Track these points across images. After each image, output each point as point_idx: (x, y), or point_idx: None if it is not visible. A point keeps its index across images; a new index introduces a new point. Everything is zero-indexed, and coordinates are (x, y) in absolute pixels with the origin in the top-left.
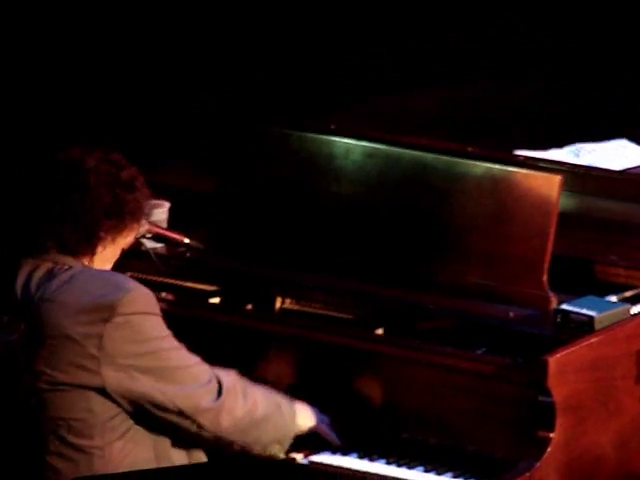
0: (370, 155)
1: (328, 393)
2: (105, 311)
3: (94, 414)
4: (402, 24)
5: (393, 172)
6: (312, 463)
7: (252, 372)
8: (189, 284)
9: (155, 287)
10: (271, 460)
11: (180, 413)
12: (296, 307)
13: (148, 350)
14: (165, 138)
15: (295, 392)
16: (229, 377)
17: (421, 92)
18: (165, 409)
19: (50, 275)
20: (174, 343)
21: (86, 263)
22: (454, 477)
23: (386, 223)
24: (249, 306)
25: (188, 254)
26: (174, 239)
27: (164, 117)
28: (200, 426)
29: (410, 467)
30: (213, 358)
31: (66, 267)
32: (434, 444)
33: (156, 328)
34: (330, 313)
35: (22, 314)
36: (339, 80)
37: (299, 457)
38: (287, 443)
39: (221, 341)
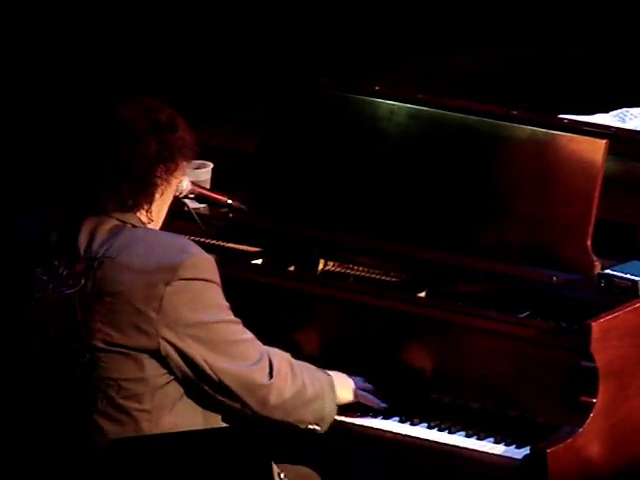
0: (414, 117)
1: (369, 356)
2: (167, 273)
3: (146, 378)
4: None
5: (437, 134)
6: (354, 426)
7: (292, 334)
8: (232, 245)
9: None
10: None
11: (226, 390)
12: (338, 269)
13: (204, 320)
14: (209, 98)
15: (335, 355)
16: (279, 357)
17: (467, 53)
18: (211, 383)
19: (114, 233)
20: (231, 316)
21: (144, 214)
22: (495, 442)
23: (429, 186)
24: (291, 268)
25: (231, 215)
26: (217, 200)
27: (207, 76)
28: (245, 404)
29: (451, 432)
30: (255, 319)
31: (130, 226)
32: (476, 408)
33: (215, 297)
34: (372, 275)
35: (83, 269)
36: (384, 40)
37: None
38: (328, 422)
39: (263, 302)
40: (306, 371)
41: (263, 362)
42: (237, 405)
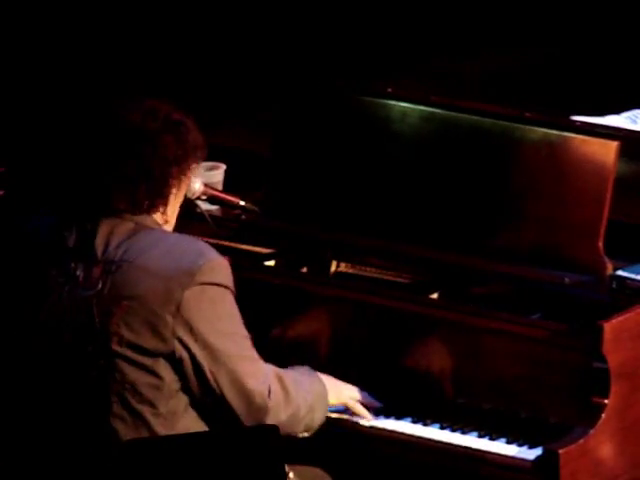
0: (427, 119)
1: (381, 357)
2: (185, 278)
3: (161, 382)
4: None
5: (450, 136)
6: (364, 427)
7: (305, 335)
8: (244, 246)
9: None
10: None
11: (225, 404)
12: (351, 270)
13: (219, 329)
14: (222, 99)
15: (347, 356)
16: (275, 379)
17: (481, 56)
18: (213, 394)
19: (132, 236)
20: (244, 331)
21: (160, 216)
22: (507, 443)
23: (442, 187)
24: (304, 269)
25: (243, 216)
26: (229, 201)
27: (221, 78)
28: (241, 419)
29: (464, 432)
30: (267, 320)
31: (148, 229)
32: (488, 409)
33: (230, 307)
34: (385, 277)
35: (100, 272)
36: (399, 42)
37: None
38: (316, 428)
39: (276, 304)
40: (299, 387)
41: (264, 385)
42: (234, 417)
